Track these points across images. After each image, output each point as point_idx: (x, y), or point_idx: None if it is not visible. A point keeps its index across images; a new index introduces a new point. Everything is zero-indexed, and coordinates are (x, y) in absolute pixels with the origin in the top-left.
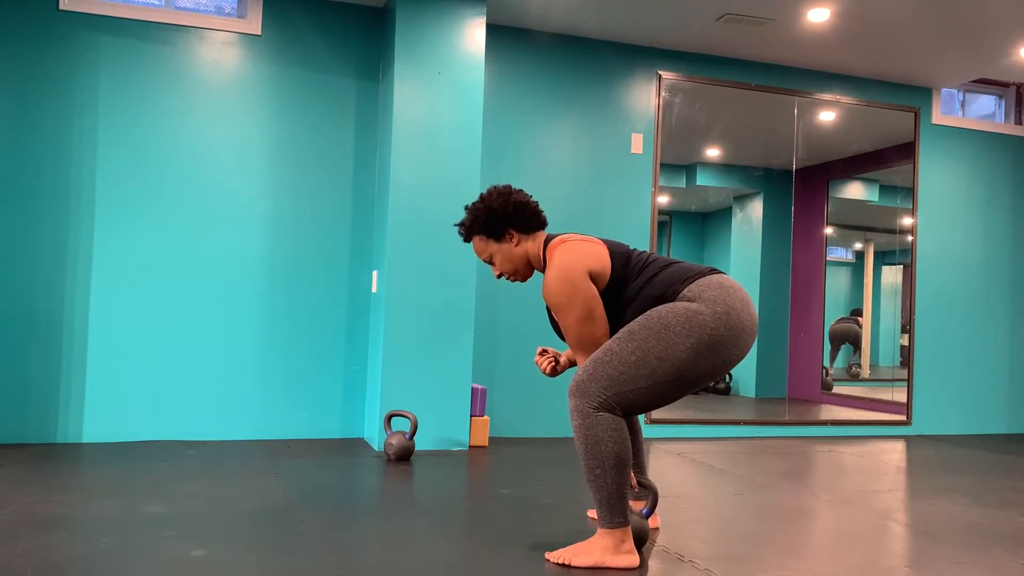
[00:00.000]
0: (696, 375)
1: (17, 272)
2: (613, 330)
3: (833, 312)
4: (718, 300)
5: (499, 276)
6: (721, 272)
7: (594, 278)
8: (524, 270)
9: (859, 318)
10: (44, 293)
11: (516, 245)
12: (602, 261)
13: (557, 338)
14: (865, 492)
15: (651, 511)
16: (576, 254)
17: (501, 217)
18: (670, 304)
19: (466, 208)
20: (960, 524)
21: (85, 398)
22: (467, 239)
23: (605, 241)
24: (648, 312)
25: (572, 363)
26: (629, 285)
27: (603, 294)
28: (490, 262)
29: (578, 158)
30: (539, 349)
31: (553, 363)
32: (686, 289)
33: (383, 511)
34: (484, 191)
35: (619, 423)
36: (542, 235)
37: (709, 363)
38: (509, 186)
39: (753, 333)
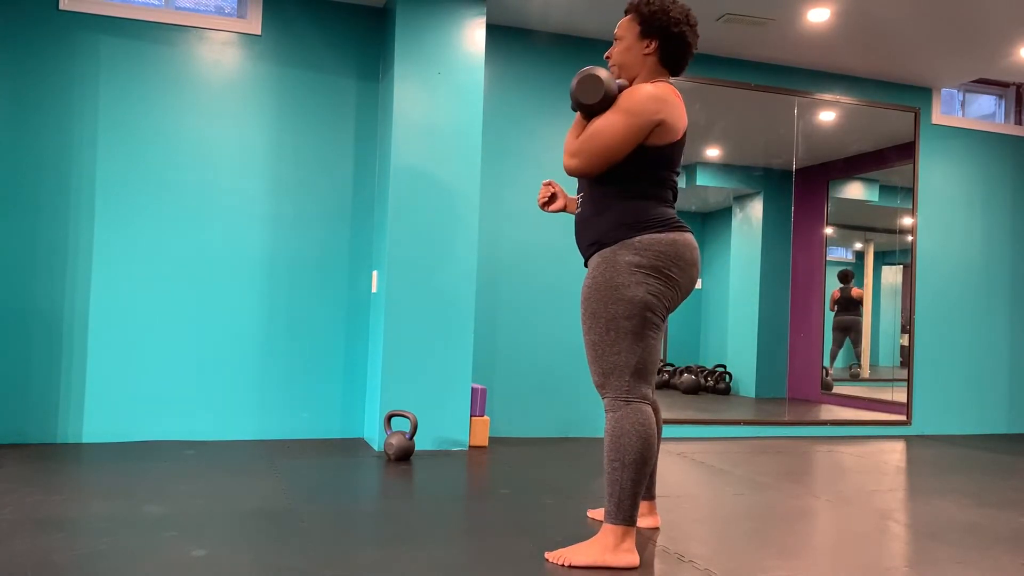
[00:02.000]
0: (660, 311)
1: (17, 272)
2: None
3: (833, 311)
4: (661, 255)
5: (607, 57)
6: (682, 229)
7: (660, 129)
8: (628, 71)
9: (854, 289)
10: (44, 293)
11: (645, 54)
12: (678, 128)
13: (556, 338)
14: (865, 492)
15: None
16: (677, 104)
17: (662, 26)
18: (610, 259)
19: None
20: (960, 524)
21: (85, 398)
22: (627, 11)
23: (685, 134)
24: (593, 278)
25: (562, 209)
26: (646, 172)
27: (645, 148)
28: (616, 39)
29: None
30: (546, 181)
31: (547, 199)
32: (639, 237)
33: (383, 511)
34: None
35: (647, 417)
36: (666, 76)
37: (665, 298)
38: (695, 19)
39: (695, 268)
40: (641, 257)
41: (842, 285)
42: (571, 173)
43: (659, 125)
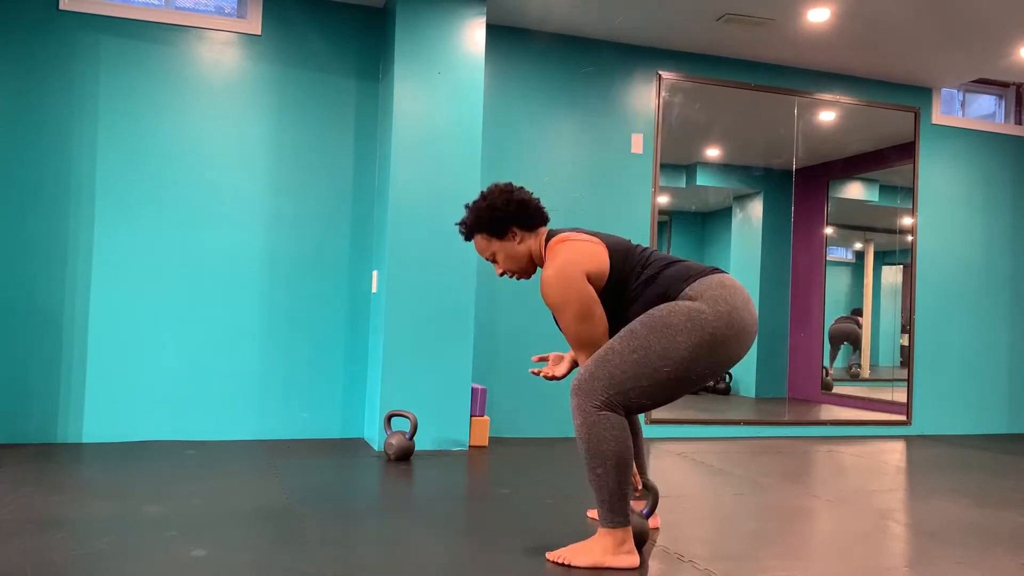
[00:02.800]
0: (698, 373)
1: (17, 272)
2: (614, 329)
3: (833, 312)
4: (720, 299)
5: (502, 274)
6: (723, 271)
7: (592, 279)
8: (527, 267)
9: (859, 318)
10: (44, 293)
11: (519, 243)
12: (600, 262)
13: (555, 338)
14: (865, 492)
15: (651, 511)
16: (574, 254)
17: (503, 216)
18: (672, 303)
19: (467, 207)
20: (960, 524)
21: (85, 398)
22: (468, 238)
23: (605, 239)
24: (650, 311)
25: (575, 364)
26: (630, 285)
27: (603, 294)
28: (493, 260)
29: (578, 158)
30: (534, 359)
31: (551, 372)
32: (688, 288)
33: (383, 511)
34: (485, 189)
35: (621, 422)
36: (544, 231)
37: (710, 361)
38: (510, 184)
39: (754, 331)
40: (701, 303)
41: (849, 315)
42: (604, 339)
43: (591, 279)
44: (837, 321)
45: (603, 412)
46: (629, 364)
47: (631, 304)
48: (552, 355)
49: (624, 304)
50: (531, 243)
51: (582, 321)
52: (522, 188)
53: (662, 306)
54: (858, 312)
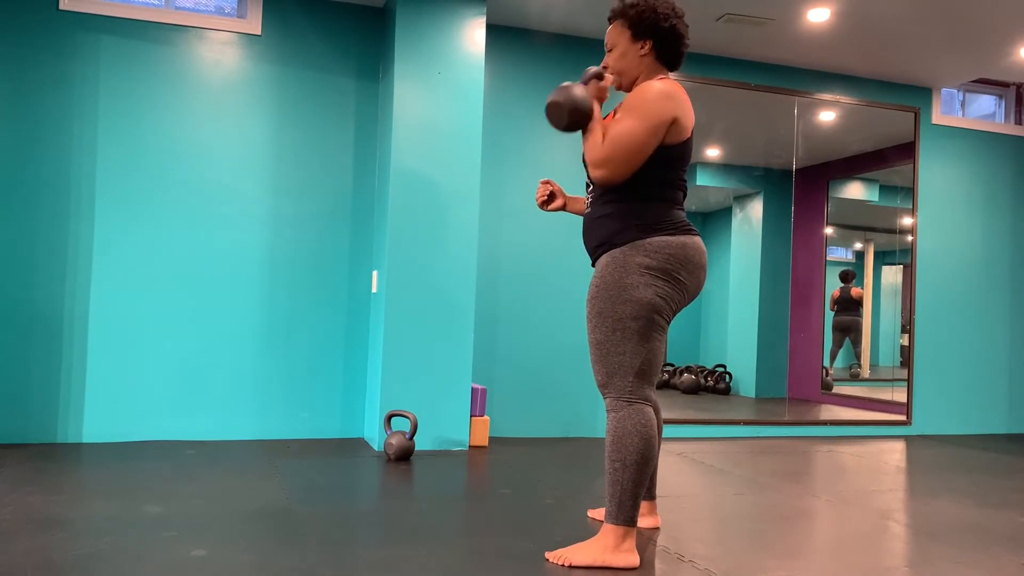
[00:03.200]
0: (666, 313)
1: (17, 272)
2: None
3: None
4: (671, 258)
5: (604, 67)
6: (692, 233)
7: (674, 128)
8: (629, 77)
9: (854, 288)
10: (44, 293)
11: (642, 55)
12: (688, 126)
13: (555, 338)
14: (865, 492)
15: None
16: (685, 100)
17: (653, 24)
18: (620, 260)
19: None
20: (960, 524)
21: (85, 398)
22: (612, 18)
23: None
24: (602, 277)
25: (562, 208)
26: (658, 173)
27: (659, 148)
28: (609, 49)
29: (578, 158)
30: (541, 181)
31: (546, 197)
32: (650, 239)
33: (383, 511)
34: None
35: (649, 418)
36: (665, 72)
37: (673, 301)
38: (682, 10)
39: (703, 270)
40: (651, 259)
41: (842, 285)
42: (601, 183)
43: (673, 123)
44: (839, 311)
45: (634, 405)
46: (620, 343)
47: (647, 184)
48: (557, 186)
49: (646, 174)
50: (649, 65)
51: (634, 138)
52: (685, 20)
53: (612, 268)
54: (847, 276)
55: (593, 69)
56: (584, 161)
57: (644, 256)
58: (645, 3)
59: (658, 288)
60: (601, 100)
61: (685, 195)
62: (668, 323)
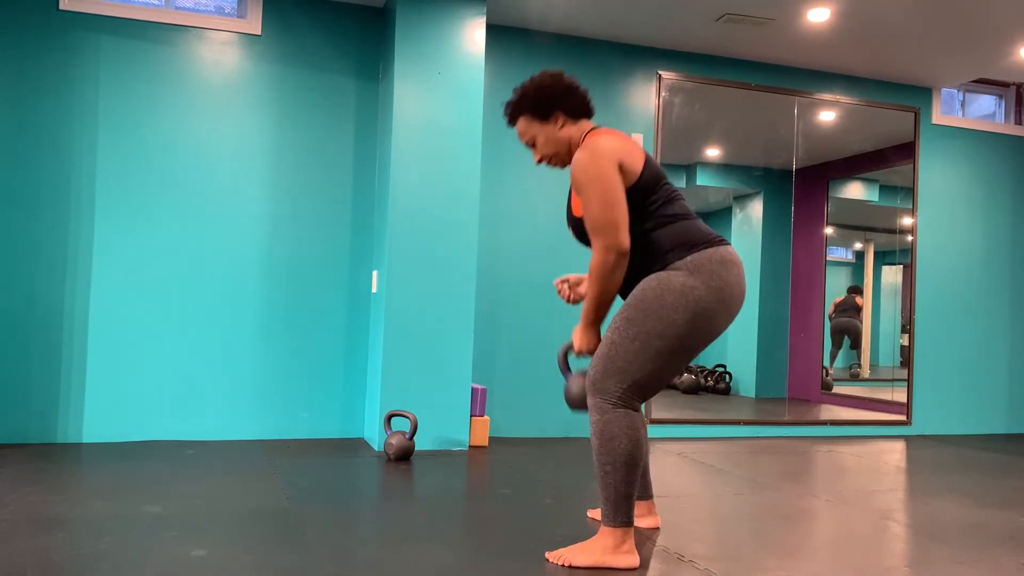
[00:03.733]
0: (694, 344)
1: (17, 272)
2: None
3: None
4: (715, 274)
5: (539, 161)
6: (727, 243)
7: (623, 171)
8: (565, 155)
9: (858, 297)
10: (44, 293)
11: (561, 128)
12: (635, 160)
13: (555, 339)
14: (865, 492)
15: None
16: (611, 142)
17: (550, 96)
18: (664, 279)
19: (514, 89)
20: (960, 524)
21: (85, 398)
22: (512, 120)
23: (646, 153)
24: (643, 290)
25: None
26: (648, 206)
27: (630, 193)
28: (532, 145)
29: None
30: (556, 282)
31: (569, 292)
32: (689, 258)
33: (383, 511)
34: (534, 74)
35: (636, 421)
36: (587, 124)
37: (703, 333)
38: (561, 71)
39: (741, 303)
40: (694, 279)
41: (846, 295)
42: (621, 257)
43: (621, 170)
44: (836, 308)
45: (619, 409)
46: (633, 353)
47: (644, 221)
48: (572, 276)
49: (639, 216)
50: (572, 131)
51: (606, 205)
52: (573, 77)
53: (654, 284)
54: (856, 290)
55: (562, 350)
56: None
57: (688, 275)
58: (531, 87)
59: (693, 325)
60: (591, 342)
61: (683, 200)
62: (694, 355)
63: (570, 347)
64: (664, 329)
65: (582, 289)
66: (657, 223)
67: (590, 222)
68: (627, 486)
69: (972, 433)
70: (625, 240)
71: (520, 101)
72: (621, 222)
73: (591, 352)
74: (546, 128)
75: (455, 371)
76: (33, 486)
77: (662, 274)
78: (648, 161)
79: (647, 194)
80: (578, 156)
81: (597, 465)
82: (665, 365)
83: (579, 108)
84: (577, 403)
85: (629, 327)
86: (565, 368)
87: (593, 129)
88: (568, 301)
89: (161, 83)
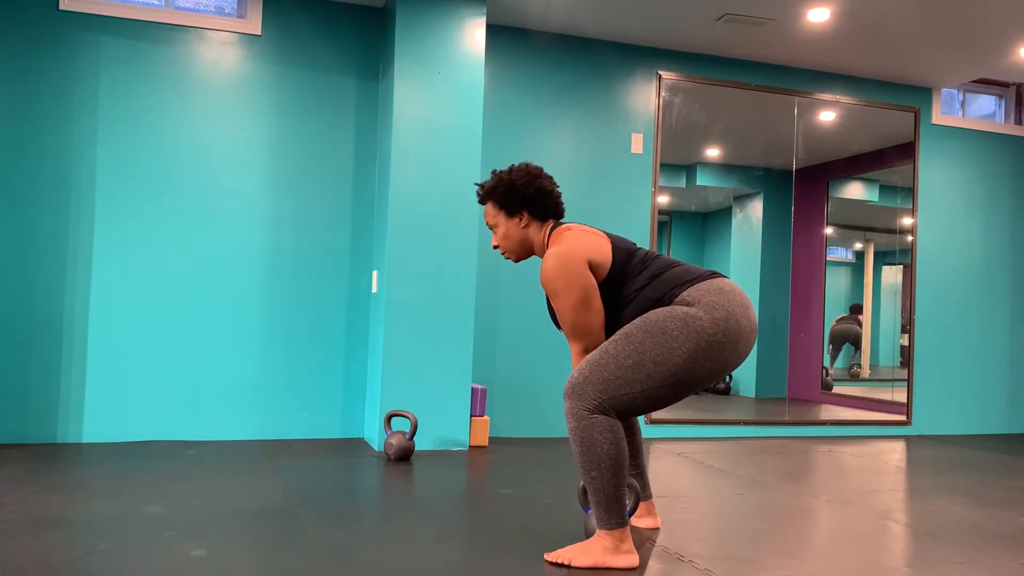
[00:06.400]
0: (693, 379)
1: (17, 272)
2: (609, 331)
3: (833, 311)
4: (717, 305)
5: (495, 247)
6: (723, 276)
7: (593, 268)
8: (520, 252)
9: (859, 316)
10: (44, 293)
11: (523, 227)
12: (603, 253)
13: (555, 339)
14: (865, 492)
15: (632, 510)
16: (577, 241)
17: (520, 197)
18: (668, 308)
19: (493, 172)
20: (960, 524)
21: (85, 398)
22: (482, 201)
23: (609, 236)
24: (646, 315)
25: None
26: (628, 283)
27: (601, 287)
28: (493, 228)
29: (578, 158)
30: None
31: None
32: (685, 293)
33: (383, 511)
34: (516, 164)
35: (614, 425)
36: (550, 223)
37: (706, 368)
38: (540, 169)
39: (752, 338)
40: (698, 309)
41: (849, 314)
42: (600, 342)
43: (592, 268)
44: (838, 321)
45: (595, 416)
46: (623, 369)
47: (628, 304)
48: None
49: (620, 303)
50: (532, 231)
51: (580, 308)
52: (549, 177)
53: (659, 310)
54: (858, 309)
55: (581, 488)
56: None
57: (691, 308)
58: (505, 181)
59: (696, 353)
60: None
61: (663, 256)
62: (694, 389)
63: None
64: (661, 355)
65: None
66: (646, 283)
67: (566, 327)
68: (616, 488)
69: (972, 433)
70: (601, 340)
71: (491, 190)
72: (596, 326)
73: None
74: (509, 223)
75: (455, 371)
76: (33, 486)
77: (668, 307)
78: (614, 245)
79: (625, 271)
80: (546, 265)
81: (583, 472)
82: (654, 391)
83: (546, 210)
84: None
85: (627, 344)
86: (584, 502)
87: (556, 227)
88: None
89: (161, 83)
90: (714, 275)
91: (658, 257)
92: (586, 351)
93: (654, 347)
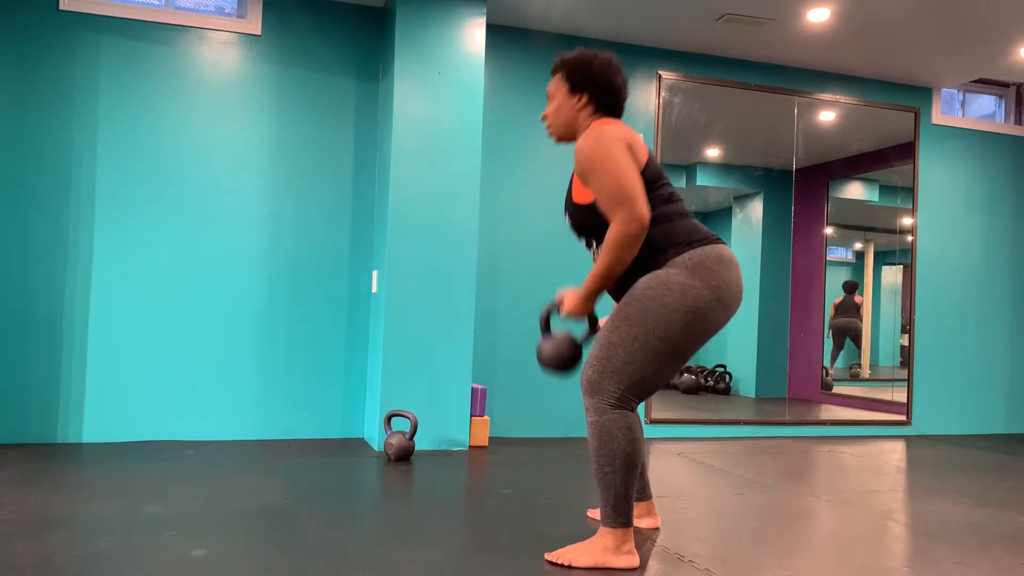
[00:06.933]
0: (693, 343)
1: (17, 272)
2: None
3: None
4: (713, 274)
5: (543, 118)
6: (722, 243)
7: (632, 152)
8: (563, 130)
9: (856, 296)
10: (44, 293)
11: (578, 108)
12: (640, 152)
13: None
14: (865, 492)
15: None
16: (619, 130)
17: (588, 79)
18: (663, 278)
19: (578, 47)
20: (960, 524)
21: (85, 398)
22: (554, 70)
23: (649, 150)
24: (642, 290)
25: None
26: (652, 194)
27: None
28: (549, 100)
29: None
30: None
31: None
32: (687, 255)
33: (383, 511)
34: (604, 51)
35: (633, 422)
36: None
37: (701, 332)
38: (621, 66)
39: (739, 301)
40: (694, 278)
41: (845, 295)
42: (641, 229)
43: (630, 148)
44: (836, 309)
45: (617, 411)
46: (632, 354)
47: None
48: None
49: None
50: (583, 116)
51: (620, 177)
52: (625, 80)
53: (654, 284)
54: (853, 287)
55: (546, 309)
56: (588, 236)
57: (687, 275)
58: (581, 58)
59: (693, 327)
60: (583, 311)
61: (681, 201)
62: (692, 355)
63: (555, 307)
64: (664, 330)
65: (586, 309)
66: (655, 220)
67: (606, 198)
68: (626, 486)
69: (972, 433)
70: (645, 211)
71: (567, 61)
72: (639, 192)
73: (578, 316)
74: (568, 99)
75: (455, 371)
76: (33, 486)
77: (660, 273)
78: (651, 157)
79: (652, 184)
80: (582, 142)
81: (595, 466)
82: (664, 366)
83: (606, 105)
84: (548, 363)
85: (629, 327)
86: (546, 328)
87: (600, 120)
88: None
89: (161, 83)
90: (718, 241)
91: (679, 201)
92: (627, 223)
93: (656, 324)
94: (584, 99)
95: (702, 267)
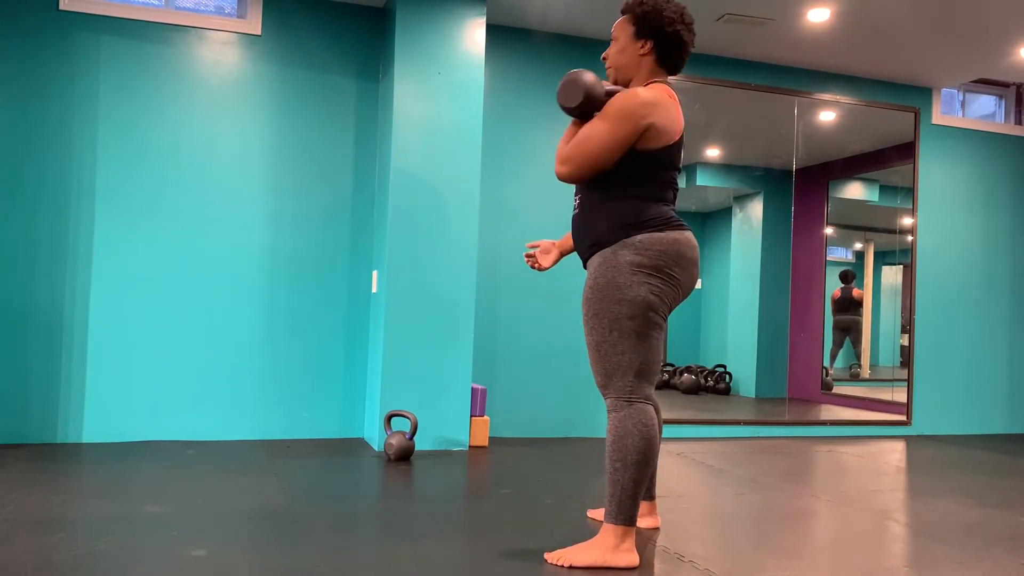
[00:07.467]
0: (664, 304)
1: (17, 272)
2: (603, 177)
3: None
4: (657, 248)
5: (604, 58)
6: (682, 228)
7: (652, 132)
8: (621, 73)
9: (855, 289)
10: (44, 293)
11: (640, 54)
12: (671, 132)
13: (555, 337)
14: (865, 492)
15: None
16: (665, 103)
17: (655, 26)
18: (610, 259)
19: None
20: (960, 524)
21: (85, 398)
22: (623, 11)
23: (682, 139)
24: (595, 279)
25: (561, 256)
26: (649, 176)
27: (635, 153)
28: (613, 41)
29: None
30: (528, 245)
31: (538, 263)
32: (640, 237)
33: (383, 511)
34: (678, 3)
35: (651, 419)
36: (661, 77)
37: (669, 292)
38: (692, 23)
39: (695, 257)
40: (642, 256)
41: (843, 285)
42: (562, 179)
43: (648, 129)
44: (838, 311)
45: (633, 405)
46: (617, 344)
47: (639, 185)
48: (543, 243)
49: (638, 178)
50: (644, 65)
51: (598, 143)
52: (693, 36)
53: (604, 269)
54: (849, 277)
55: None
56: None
57: (635, 254)
58: (653, 4)
59: (652, 286)
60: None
61: (676, 194)
62: (664, 320)
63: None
64: (630, 309)
65: (549, 260)
66: (645, 193)
67: (578, 139)
68: (635, 485)
69: (972, 433)
70: (566, 176)
71: (636, 4)
72: (585, 164)
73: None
74: (632, 43)
75: (455, 371)
76: (33, 486)
77: (608, 254)
78: (677, 144)
79: (657, 167)
80: (630, 92)
81: (608, 461)
82: (650, 342)
83: (668, 57)
84: (578, 83)
85: (600, 321)
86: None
87: (656, 83)
88: (535, 268)
89: (161, 83)
90: (680, 227)
91: (670, 193)
92: (558, 168)
93: (619, 306)
94: (648, 46)
95: (652, 248)
